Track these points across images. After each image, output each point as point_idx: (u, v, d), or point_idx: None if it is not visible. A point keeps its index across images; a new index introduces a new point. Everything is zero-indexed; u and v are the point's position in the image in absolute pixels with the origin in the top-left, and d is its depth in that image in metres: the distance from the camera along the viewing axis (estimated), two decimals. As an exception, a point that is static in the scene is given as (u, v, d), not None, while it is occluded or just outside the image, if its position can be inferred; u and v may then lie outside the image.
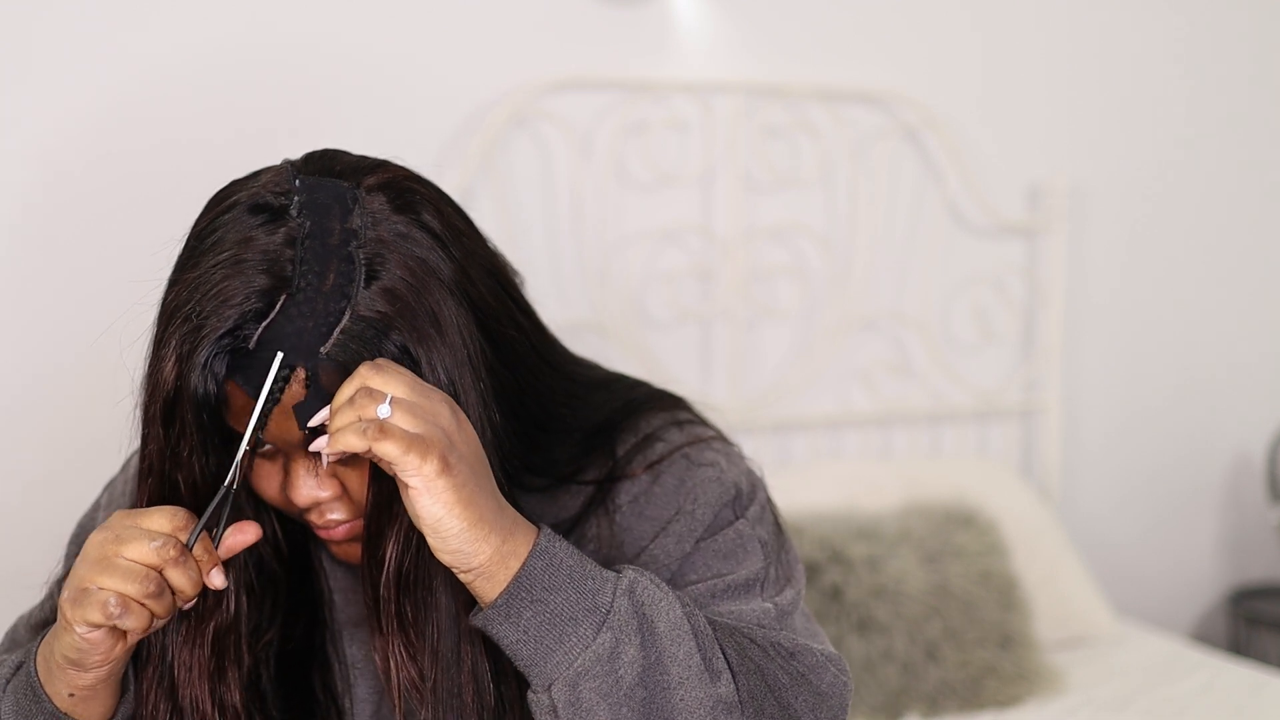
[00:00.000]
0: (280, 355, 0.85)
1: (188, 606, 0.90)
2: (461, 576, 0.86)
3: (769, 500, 1.04)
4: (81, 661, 0.88)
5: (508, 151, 2.22)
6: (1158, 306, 2.84)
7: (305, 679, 1.02)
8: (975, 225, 2.61)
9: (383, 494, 0.90)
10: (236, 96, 2.02)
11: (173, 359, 0.86)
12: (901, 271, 2.56)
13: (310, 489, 0.91)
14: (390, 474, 0.85)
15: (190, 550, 0.86)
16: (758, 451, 2.39)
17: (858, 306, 2.50)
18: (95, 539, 0.87)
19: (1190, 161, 2.83)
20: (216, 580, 0.88)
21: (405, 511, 0.89)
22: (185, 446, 0.88)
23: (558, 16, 2.24)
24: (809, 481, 2.35)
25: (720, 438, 1.05)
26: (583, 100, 2.26)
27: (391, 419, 0.82)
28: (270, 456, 0.92)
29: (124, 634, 0.88)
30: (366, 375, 0.84)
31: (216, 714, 0.95)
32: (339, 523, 0.94)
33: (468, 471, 0.84)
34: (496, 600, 0.86)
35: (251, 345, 0.85)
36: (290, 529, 1.01)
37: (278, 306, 0.85)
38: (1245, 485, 2.98)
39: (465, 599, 0.92)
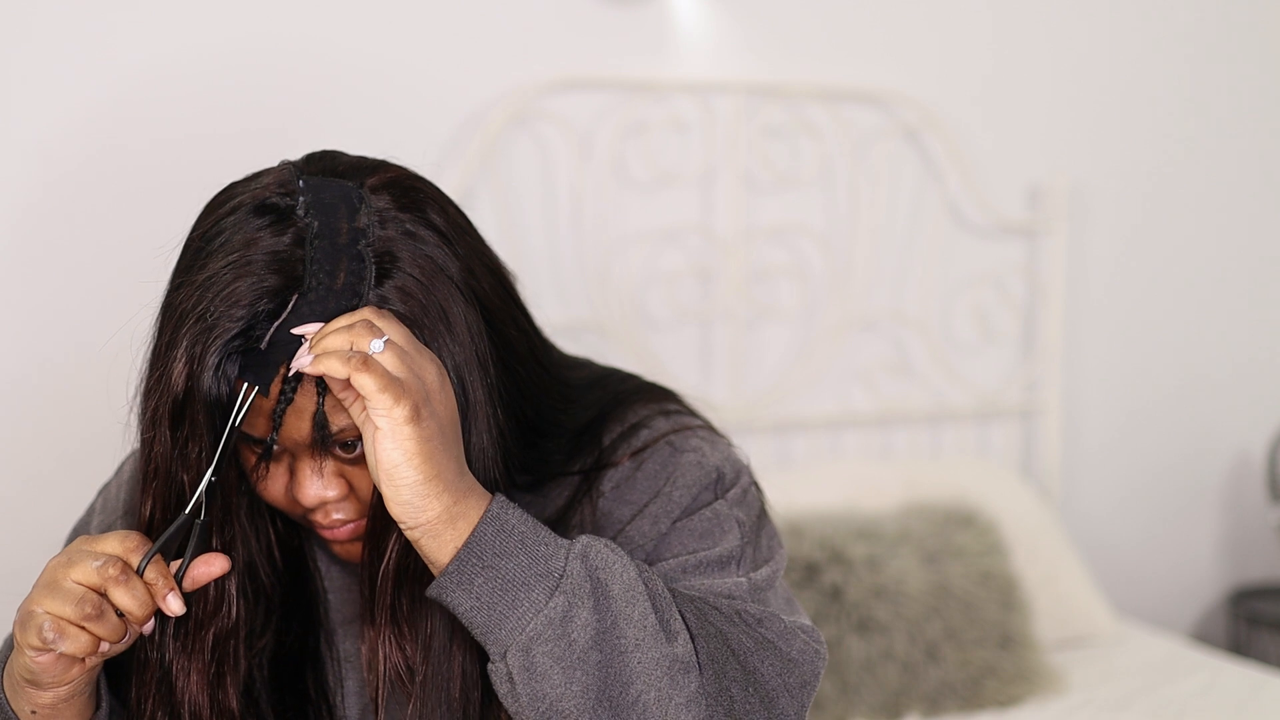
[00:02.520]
0: (246, 385, 0.86)
1: (146, 630, 0.89)
2: (408, 534, 0.86)
3: (753, 485, 1.04)
4: (37, 681, 0.88)
5: (508, 152, 2.21)
6: (1158, 306, 2.84)
7: (298, 678, 1.02)
8: (975, 225, 2.61)
9: None
10: (236, 97, 2.02)
11: (183, 360, 0.86)
12: (901, 271, 2.56)
13: (317, 489, 0.91)
14: (357, 422, 0.86)
15: (141, 573, 0.86)
16: (758, 451, 2.39)
17: (858, 306, 2.50)
18: (51, 563, 0.87)
19: (1190, 161, 2.83)
20: (174, 605, 0.87)
21: None
22: (194, 448, 0.88)
23: (558, 16, 2.24)
24: (809, 481, 2.35)
25: (707, 427, 1.05)
26: (583, 100, 2.26)
27: (380, 357, 0.83)
28: (275, 458, 0.92)
29: (79, 658, 0.87)
30: (370, 314, 0.85)
31: (214, 718, 0.95)
32: (343, 522, 0.94)
33: (436, 428, 0.85)
34: (448, 567, 0.86)
35: (263, 346, 0.86)
36: (283, 531, 1.01)
37: (290, 306, 0.86)
38: (1245, 485, 2.98)
39: None
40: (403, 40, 2.14)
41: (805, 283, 2.46)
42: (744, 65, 2.39)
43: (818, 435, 2.51)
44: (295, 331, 0.85)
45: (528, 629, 0.85)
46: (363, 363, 0.82)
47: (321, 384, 0.87)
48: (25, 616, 0.86)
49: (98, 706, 0.94)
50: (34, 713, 0.90)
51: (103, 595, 0.85)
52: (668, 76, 2.32)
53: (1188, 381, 2.89)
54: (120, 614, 0.86)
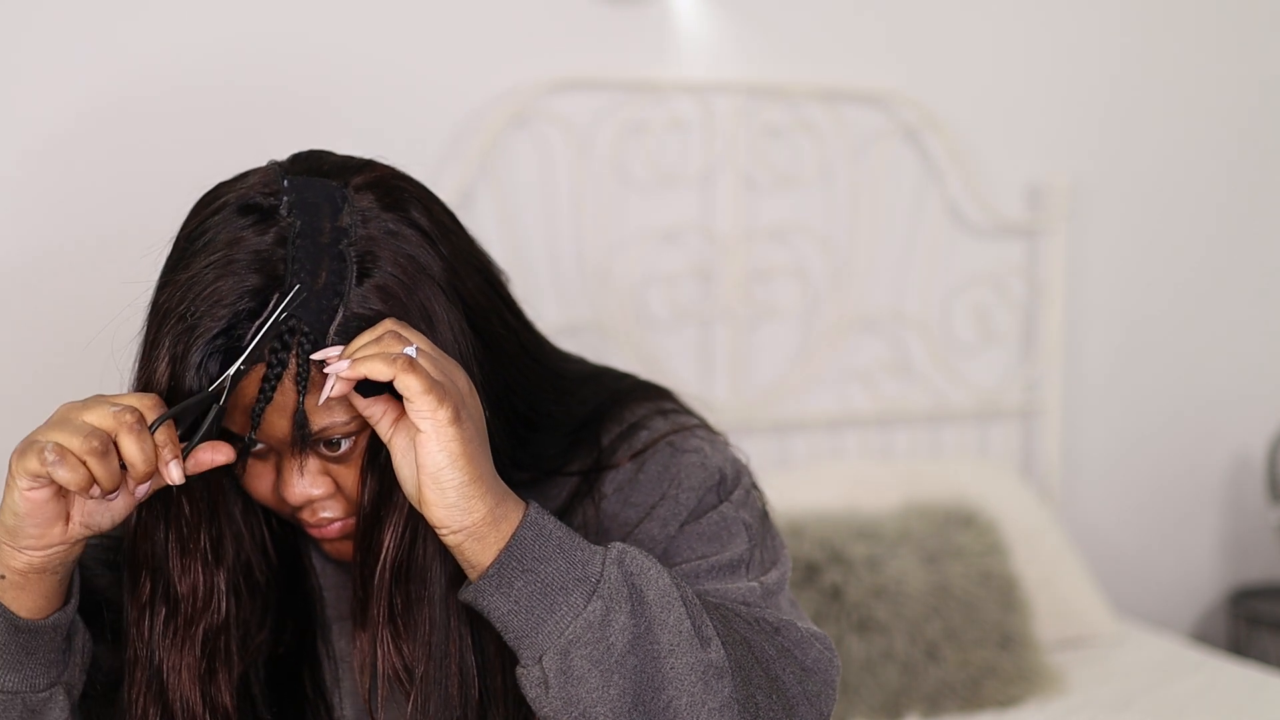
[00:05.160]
0: (297, 287, 0.85)
1: (140, 494, 0.88)
2: (450, 538, 0.86)
3: (754, 485, 1.04)
4: (17, 531, 0.85)
5: (508, 152, 2.22)
6: (1157, 306, 2.84)
7: (295, 677, 1.02)
8: (975, 225, 2.61)
9: (384, 483, 0.90)
10: (236, 98, 2.02)
11: (166, 360, 0.86)
12: (901, 271, 2.56)
13: (302, 487, 0.92)
14: (383, 437, 0.86)
15: (152, 432, 0.84)
16: (758, 452, 2.39)
17: (858, 306, 2.50)
18: (64, 405, 0.86)
19: (1190, 161, 2.83)
20: (174, 473, 0.85)
21: (405, 502, 0.89)
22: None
23: (558, 16, 2.24)
24: (809, 481, 2.35)
25: (705, 426, 1.06)
26: (583, 100, 2.26)
27: (417, 360, 0.83)
28: (262, 456, 0.93)
29: (65, 513, 0.86)
30: (392, 325, 0.86)
31: (208, 715, 0.95)
32: (331, 520, 0.94)
33: (474, 430, 0.86)
34: (488, 570, 0.86)
35: (245, 345, 0.86)
36: (279, 531, 1.01)
37: (270, 305, 0.86)
38: (1245, 485, 2.98)
39: (458, 589, 0.92)
40: (402, 41, 2.14)
41: (805, 283, 2.46)
42: (744, 65, 2.39)
43: (818, 435, 2.51)
44: (315, 357, 0.85)
45: (566, 632, 0.86)
46: (408, 364, 0.82)
47: (302, 382, 0.86)
48: (26, 445, 0.84)
49: (66, 601, 0.92)
50: (2, 577, 0.88)
51: (113, 441, 0.84)
52: (668, 76, 2.32)
53: (1188, 382, 2.89)
54: (121, 467, 0.84)
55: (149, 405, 0.85)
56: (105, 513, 0.87)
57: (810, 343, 2.49)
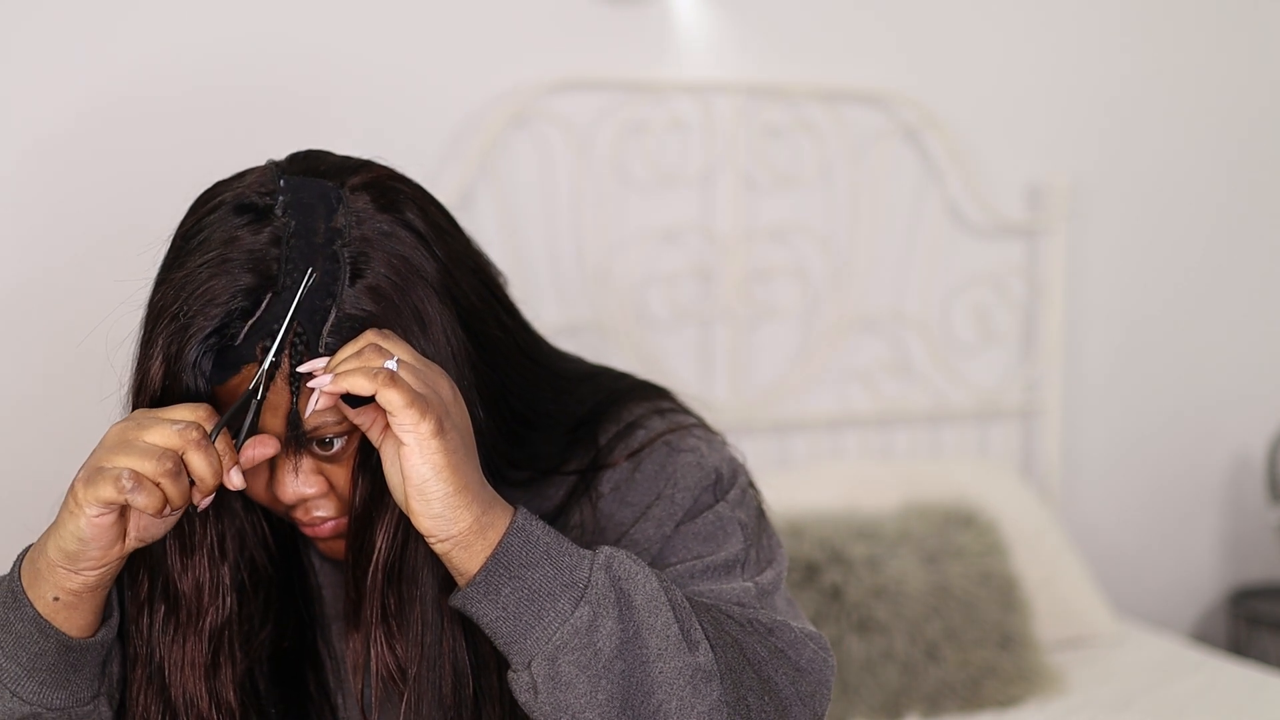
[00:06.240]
0: (310, 272, 0.85)
1: (203, 505, 0.89)
2: (438, 546, 0.87)
3: (750, 485, 1.04)
4: (79, 555, 0.86)
5: (507, 152, 2.22)
6: (1158, 306, 2.84)
7: (299, 676, 1.02)
8: (975, 225, 2.61)
9: (376, 485, 0.91)
10: (236, 99, 2.02)
11: (160, 358, 0.87)
12: (901, 271, 2.56)
13: (295, 486, 0.92)
14: (375, 443, 0.87)
15: (212, 442, 0.85)
16: (758, 452, 2.39)
17: (858, 306, 2.50)
18: (116, 428, 0.86)
19: (1191, 161, 2.83)
20: (235, 479, 0.87)
21: (395, 504, 0.89)
22: None
23: (558, 16, 2.25)
24: (809, 481, 2.35)
25: (702, 425, 1.06)
26: (583, 100, 2.26)
27: (399, 373, 0.83)
28: None
29: (124, 533, 0.87)
30: (374, 337, 0.86)
31: (213, 711, 0.95)
32: (324, 520, 0.95)
33: (458, 440, 0.86)
34: (475, 578, 0.86)
35: (238, 344, 0.86)
36: (280, 527, 1.02)
37: (263, 305, 0.86)
38: (1245, 485, 2.98)
39: (449, 590, 0.92)
40: (403, 41, 2.14)
41: (805, 283, 2.46)
42: (744, 65, 2.39)
43: (818, 435, 2.51)
44: (301, 370, 0.86)
45: (554, 638, 0.86)
46: (389, 378, 0.82)
47: (295, 382, 0.87)
48: (94, 473, 0.84)
49: (107, 617, 0.94)
50: (56, 599, 0.89)
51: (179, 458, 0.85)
52: (668, 76, 2.32)
53: (1188, 382, 2.89)
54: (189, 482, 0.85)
55: (204, 416, 0.86)
56: (159, 525, 0.89)
57: (810, 343, 2.49)
